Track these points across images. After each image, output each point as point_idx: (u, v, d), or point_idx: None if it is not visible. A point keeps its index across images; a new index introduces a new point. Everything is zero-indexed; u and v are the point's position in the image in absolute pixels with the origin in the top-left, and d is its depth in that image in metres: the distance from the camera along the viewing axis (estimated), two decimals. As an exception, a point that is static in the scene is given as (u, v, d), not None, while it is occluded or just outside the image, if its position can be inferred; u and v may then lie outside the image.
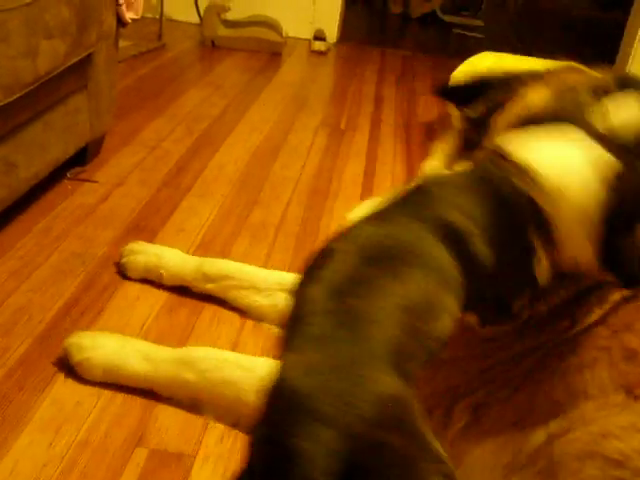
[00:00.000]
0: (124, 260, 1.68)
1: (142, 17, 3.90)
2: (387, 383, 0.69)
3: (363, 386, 0.68)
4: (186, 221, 1.97)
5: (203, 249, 1.83)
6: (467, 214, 0.84)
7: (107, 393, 1.33)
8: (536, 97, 1.03)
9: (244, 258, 1.80)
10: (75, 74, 1.92)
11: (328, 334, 0.71)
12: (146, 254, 1.68)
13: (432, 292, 0.78)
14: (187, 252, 1.78)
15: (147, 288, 1.65)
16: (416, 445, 0.68)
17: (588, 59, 3.57)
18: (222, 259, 1.69)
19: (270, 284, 1.58)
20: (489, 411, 1.04)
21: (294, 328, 0.74)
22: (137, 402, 1.32)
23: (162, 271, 1.65)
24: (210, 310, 1.60)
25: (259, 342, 1.52)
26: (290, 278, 1.53)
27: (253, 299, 1.58)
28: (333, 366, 0.68)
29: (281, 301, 1.52)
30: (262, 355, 1.42)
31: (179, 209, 2.04)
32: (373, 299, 0.74)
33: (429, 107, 3.32)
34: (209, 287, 1.61)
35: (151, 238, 1.85)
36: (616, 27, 4.63)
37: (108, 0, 1.93)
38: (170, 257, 1.67)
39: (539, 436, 1.00)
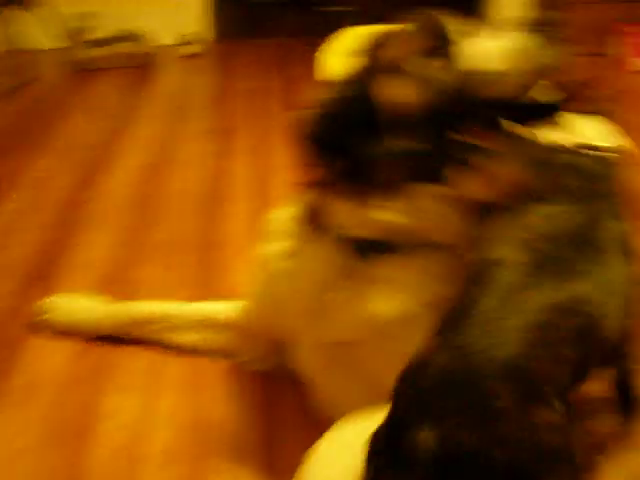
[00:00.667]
0: (44, 317, 1.61)
1: (4, 51, 3.78)
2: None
3: None
4: (87, 256, 1.92)
5: (108, 282, 1.78)
6: None
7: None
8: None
9: (153, 282, 1.76)
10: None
11: None
12: (66, 308, 1.61)
13: None
14: (92, 288, 1.73)
15: (56, 336, 1.59)
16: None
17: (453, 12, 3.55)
18: (147, 302, 1.60)
19: (197, 318, 1.54)
20: None
21: None
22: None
23: (87, 324, 1.58)
24: (125, 350, 1.55)
25: (183, 371, 1.49)
26: (212, 308, 1.52)
27: (185, 337, 1.53)
28: None
29: (210, 334, 1.50)
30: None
31: (77, 245, 1.97)
32: None
33: (310, 91, 3.30)
34: (138, 333, 1.56)
35: (52, 282, 1.78)
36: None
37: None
38: (92, 308, 1.60)
39: None
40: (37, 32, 3.95)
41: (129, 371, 1.48)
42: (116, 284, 1.76)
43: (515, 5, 4.38)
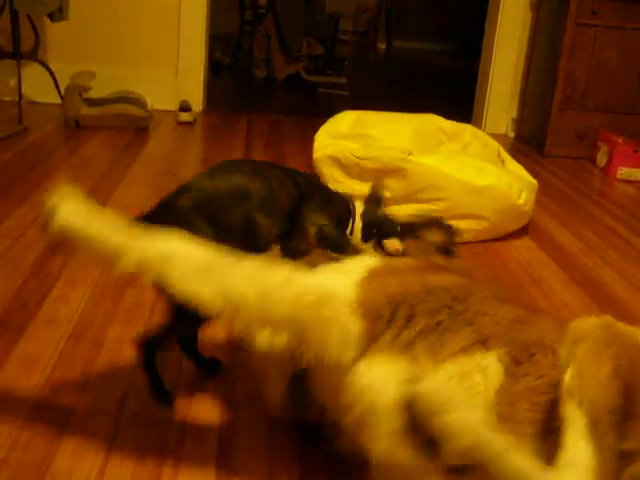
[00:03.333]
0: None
1: (1, 101, 3.84)
2: None
3: None
4: (57, 311, 1.91)
5: (75, 339, 1.78)
6: None
7: None
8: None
9: (119, 344, 1.76)
10: None
11: None
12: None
13: None
14: (59, 343, 1.72)
15: (16, 388, 1.58)
16: None
17: (448, 108, 3.75)
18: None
19: None
20: None
21: None
22: None
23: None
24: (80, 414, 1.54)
25: (138, 432, 1.48)
26: None
27: None
28: None
29: None
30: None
31: (48, 299, 1.97)
32: None
33: (299, 168, 3.36)
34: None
35: (19, 333, 1.77)
36: (474, 76, 4.86)
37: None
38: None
39: None
40: (41, 86, 4.02)
41: (88, 432, 1.46)
42: (80, 341, 1.76)
43: (504, 103, 4.51)
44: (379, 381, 1.21)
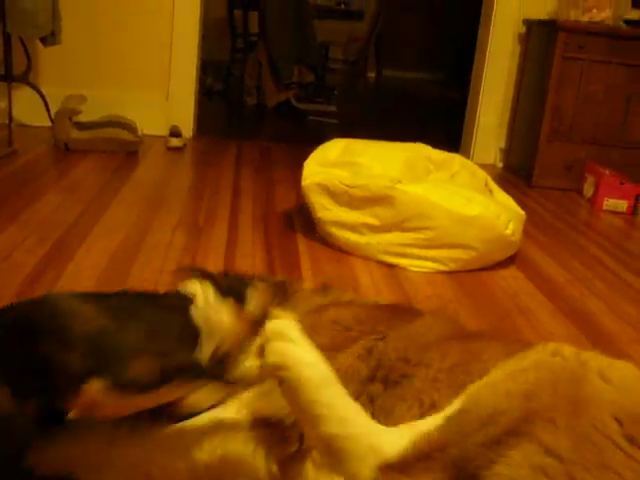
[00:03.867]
0: None
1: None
2: None
3: None
4: (41, 335, 1.90)
5: (59, 363, 1.76)
6: None
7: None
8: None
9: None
10: None
11: None
12: None
13: None
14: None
15: None
16: None
17: (436, 138, 3.78)
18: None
19: None
20: None
21: None
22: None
23: None
24: None
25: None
26: None
27: None
28: None
29: None
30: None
31: (33, 323, 1.96)
32: None
33: (287, 195, 3.39)
34: None
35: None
36: (463, 106, 4.90)
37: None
38: None
39: None
40: (32, 108, 4.02)
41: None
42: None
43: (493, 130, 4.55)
44: None
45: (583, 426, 0.98)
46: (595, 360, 1.08)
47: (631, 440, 0.97)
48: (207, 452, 1.22)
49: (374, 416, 1.19)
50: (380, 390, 1.24)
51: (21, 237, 2.54)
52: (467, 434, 1.04)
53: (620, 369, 1.09)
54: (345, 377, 1.24)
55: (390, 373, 1.26)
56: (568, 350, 1.10)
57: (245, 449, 1.22)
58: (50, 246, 2.49)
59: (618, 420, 0.98)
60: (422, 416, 1.17)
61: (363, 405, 1.18)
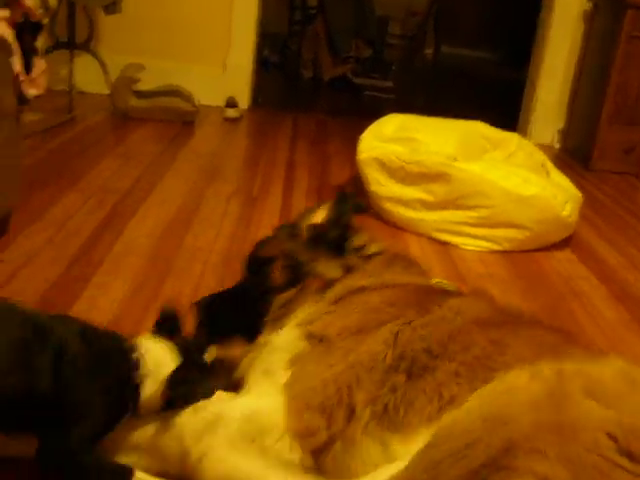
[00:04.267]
0: None
1: (52, 90, 3.90)
2: None
3: None
4: (97, 298, 1.94)
5: (114, 327, 1.80)
6: None
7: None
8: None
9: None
10: (-25, 154, 1.89)
11: None
12: None
13: None
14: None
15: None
16: None
17: (493, 116, 3.72)
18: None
19: None
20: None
21: None
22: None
23: None
24: None
25: None
26: None
27: None
28: None
29: None
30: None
31: (90, 286, 2.00)
32: None
33: (341, 169, 3.38)
34: None
35: (60, 318, 1.81)
36: (521, 85, 4.81)
37: (6, 78, 1.91)
38: None
39: None
40: (92, 76, 4.07)
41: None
42: (118, 330, 1.78)
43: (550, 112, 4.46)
44: None
45: (576, 452, 0.92)
46: (580, 376, 1.03)
47: (630, 456, 0.92)
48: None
49: (396, 406, 1.21)
50: (403, 380, 1.24)
51: (80, 203, 2.59)
52: (439, 472, 0.99)
53: (609, 379, 1.03)
54: (371, 363, 1.27)
55: (413, 364, 1.25)
56: (548, 370, 1.05)
57: (281, 444, 1.23)
58: (107, 212, 2.54)
59: (612, 436, 0.93)
60: (441, 410, 1.18)
61: (385, 394, 1.22)
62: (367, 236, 1.64)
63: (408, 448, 1.16)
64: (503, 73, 7.75)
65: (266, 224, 2.59)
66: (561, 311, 2.23)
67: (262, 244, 1.70)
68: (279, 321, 1.47)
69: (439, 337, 1.28)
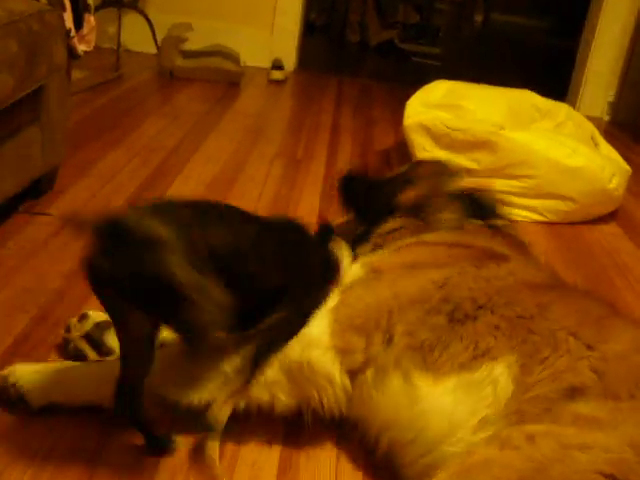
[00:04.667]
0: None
1: (99, 48, 3.92)
2: None
3: None
4: (141, 254, 1.96)
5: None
6: None
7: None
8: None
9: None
10: (26, 107, 1.92)
11: None
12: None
13: None
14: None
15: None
16: None
17: (542, 86, 3.65)
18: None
19: None
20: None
21: None
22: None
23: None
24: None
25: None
26: None
27: None
28: None
29: None
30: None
31: (134, 241, 2.02)
32: None
33: (386, 135, 3.36)
34: None
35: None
36: (570, 54, 4.71)
37: (58, 33, 1.92)
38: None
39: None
40: (139, 35, 4.08)
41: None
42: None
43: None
44: None
45: None
46: (552, 433, 1.03)
47: None
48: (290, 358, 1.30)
49: (431, 345, 1.25)
50: (443, 322, 1.27)
51: (125, 159, 2.61)
52: None
53: (582, 421, 1.05)
54: (415, 296, 1.31)
55: (456, 309, 1.28)
56: (516, 434, 1.04)
57: (324, 358, 1.29)
58: (152, 170, 2.55)
59: (607, 476, 0.94)
60: (474, 359, 1.21)
61: (423, 331, 1.26)
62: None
63: (433, 391, 1.21)
64: (553, 42, 7.60)
65: (310, 188, 2.59)
66: (603, 284, 2.21)
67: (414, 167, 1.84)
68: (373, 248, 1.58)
69: (487, 290, 1.30)
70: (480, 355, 1.22)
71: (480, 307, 1.27)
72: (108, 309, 1.18)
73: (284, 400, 1.30)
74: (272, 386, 1.29)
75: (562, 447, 0.98)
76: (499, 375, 1.19)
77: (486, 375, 1.20)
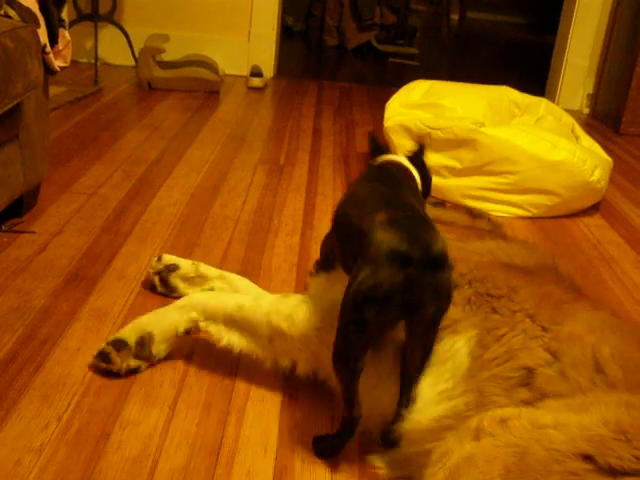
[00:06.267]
0: None
1: (77, 62, 3.91)
2: None
3: None
4: (127, 267, 1.95)
5: (143, 296, 1.82)
6: None
7: (48, 450, 1.30)
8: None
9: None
10: (4, 125, 1.91)
11: None
12: None
13: None
14: (128, 298, 1.77)
15: (88, 338, 1.62)
16: None
17: (521, 82, 3.68)
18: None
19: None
20: None
21: None
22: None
23: None
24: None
25: (204, 385, 1.51)
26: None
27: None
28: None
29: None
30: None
31: (119, 255, 2.02)
32: None
33: (367, 137, 3.35)
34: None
35: (91, 286, 1.82)
36: (549, 50, 4.74)
37: (33, 50, 1.91)
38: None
39: None
40: (117, 48, 4.07)
41: (156, 383, 1.50)
42: (148, 299, 1.80)
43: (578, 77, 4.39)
44: None
45: None
46: (522, 414, 1.03)
47: (613, 472, 0.92)
48: None
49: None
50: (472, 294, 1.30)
51: (107, 173, 2.60)
52: None
53: (550, 403, 1.06)
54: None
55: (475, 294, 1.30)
56: (487, 421, 1.04)
57: None
58: (134, 182, 2.55)
59: (587, 457, 0.93)
60: (442, 329, 1.24)
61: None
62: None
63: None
64: (531, 37, 7.65)
65: (294, 194, 2.59)
66: (590, 276, 2.22)
67: None
68: None
69: (468, 263, 1.34)
70: (447, 326, 1.25)
71: (461, 275, 1.30)
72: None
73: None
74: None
75: (536, 427, 0.99)
76: (458, 349, 1.23)
77: (447, 348, 1.24)
